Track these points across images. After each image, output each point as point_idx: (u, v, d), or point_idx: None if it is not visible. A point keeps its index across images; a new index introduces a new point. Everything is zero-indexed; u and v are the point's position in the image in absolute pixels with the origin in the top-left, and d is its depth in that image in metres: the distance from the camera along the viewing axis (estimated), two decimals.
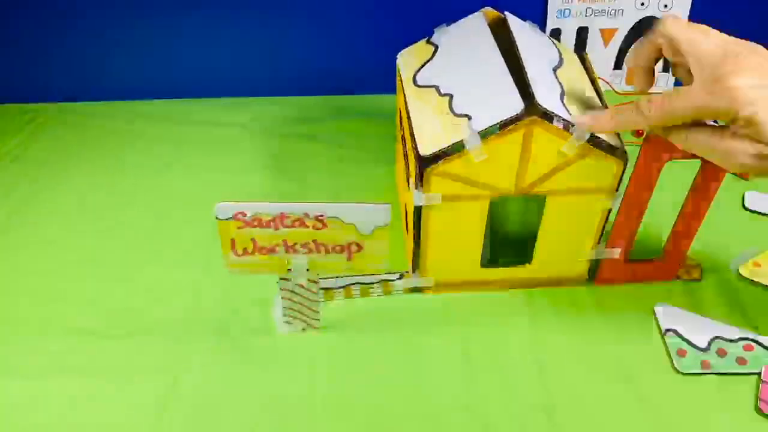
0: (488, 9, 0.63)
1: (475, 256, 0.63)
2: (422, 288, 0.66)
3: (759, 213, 0.74)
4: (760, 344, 0.60)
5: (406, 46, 0.68)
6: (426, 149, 0.54)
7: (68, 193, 0.80)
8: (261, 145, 0.87)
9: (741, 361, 0.58)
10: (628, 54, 0.56)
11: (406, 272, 0.65)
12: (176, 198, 0.79)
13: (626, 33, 0.90)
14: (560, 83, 0.57)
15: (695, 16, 0.88)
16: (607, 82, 0.93)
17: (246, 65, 0.93)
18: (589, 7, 0.88)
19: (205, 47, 0.91)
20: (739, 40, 0.47)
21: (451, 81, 0.59)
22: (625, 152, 0.55)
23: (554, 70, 0.59)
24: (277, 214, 0.53)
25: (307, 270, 0.57)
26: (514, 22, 0.61)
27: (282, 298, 0.59)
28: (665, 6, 0.87)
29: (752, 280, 0.66)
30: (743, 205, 0.75)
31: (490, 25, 0.62)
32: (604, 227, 0.61)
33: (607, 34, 0.91)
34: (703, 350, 0.59)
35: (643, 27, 0.89)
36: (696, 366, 0.58)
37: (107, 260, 0.70)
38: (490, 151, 0.53)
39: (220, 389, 0.58)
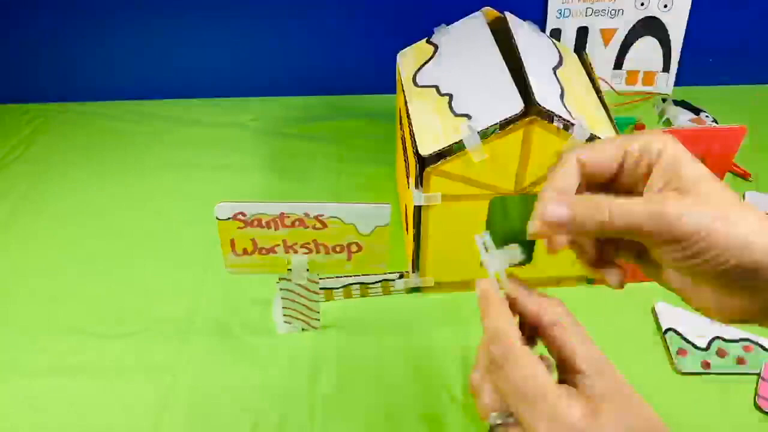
0: (488, 9, 0.63)
1: (474, 255, 0.63)
2: (422, 288, 0.66)
3: None
4: (759, 345, 0.60)
5: (406, 46, 0.68)
6: (426, 149, 0.54)
7: (68, 193, 0.80)
8: (261, 144, 0.87)
9: (741, 361, 0.58)
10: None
11: (406, 272, 0.65)
12: (176, 198, 0.79)
13: (626, 33, 0.90)
14: (560, 83, 0.57)
15: (695, 15, 0.88)
16: (607, 82, 0.93)
17: (246, 65, 0.93)
18: (589, 7, 0.88)
19: (205, 47, 0.91)
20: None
21: (451, 81, 0.59)
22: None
23: (554, 70, 0.59)
24: (277, 214, 0.53)
25: (307, 270, 0.57)
26: (514, 22, 0.61)
27: (281, 298, 0.59)
28: (665, 6, 0.87)
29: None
30: None
31: (489, 25, 0.62)
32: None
33: (607, 34, 0.90)
34: (704, 350, 0.59)
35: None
36: (696, 366, 0.58)
37: (107, 260, 0.70)
38: (490, 150, 0.53)
39: (220, 389, 0.58)
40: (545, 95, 0.53)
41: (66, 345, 0.61)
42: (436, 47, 0.64)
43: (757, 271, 0.29)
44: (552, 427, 0.31)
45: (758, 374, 0.57)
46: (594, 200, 0.33)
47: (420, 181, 0.56)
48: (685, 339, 0.60)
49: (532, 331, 0.37)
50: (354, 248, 0.56)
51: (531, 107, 0.51)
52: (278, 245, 0.55)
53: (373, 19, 0.88)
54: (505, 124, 0.52)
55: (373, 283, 0.65)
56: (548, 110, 0.51)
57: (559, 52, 0.63)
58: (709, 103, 0.90)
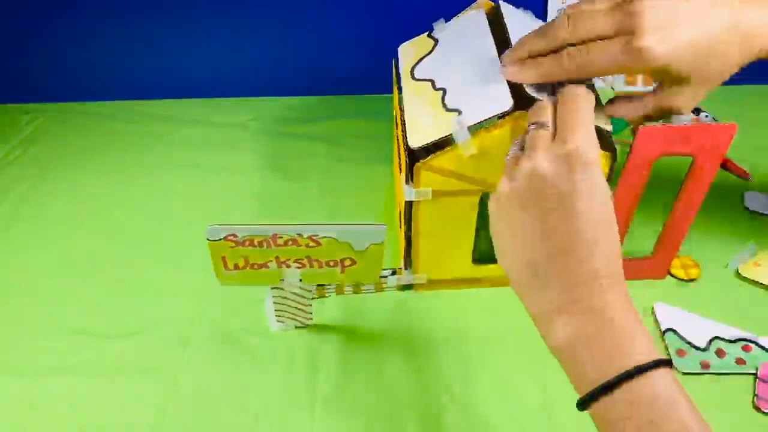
0: (485, 0, 0.63)
1: (466, 252, 0.63)
2: (414, 285, 0.66)
3: (759, 213, 0.74)
4: (758, 345, 0.60)
5: None
6: (415, 142, 0.54)
7: (68, 193, 0.80)
8: (261, 145, 0.87)
9: (740, 361, 0.58)
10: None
11: (399, 269, 0.65)
12: (176, 198, 0.79)
13: None
14: None
15: None
16: (607, 82, 0.93)
17: (246, 65, 0.93)
18: None
19: (205, 47, 0.91)
20: None
21: (446, 75, 0.59)
22: (615, 147, 0.55)
23: None
24: (269, 236, 0.53)
25: (300, 280, 0.57)
26: (509, 12, 0.61)
27: (273, 302, 0.59)
28: None
29: (752, 280, 0.66)
30: (743, 205, 0.75)
31: (487, 16, 0.62)
32: None
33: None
34: (703, 350, 0.59)
35: None
36: (695, 366, 0.58)
37: (107, 260, 0.71)
38: (480, 145, 0.53)
39: (219, 389, 0.58)
40: (536, 90, 0.52)
41: (66, 345, 0.62)
42: (436, 41, 0.64)
43: None
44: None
45: (755, 374, 0.57)
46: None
47: (410, 176, 0.56)
48: (684, 339, 0.60)
49: None
50: (348, 262, 0.55)
51: (520, 102, 0.51)
52: (271, 261, 0.55)
53: (373, 20, 0.88)
54: (494, 119, 0.52)
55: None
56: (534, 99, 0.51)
57: None
58: (709, 103, 0.89)
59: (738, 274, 0.66)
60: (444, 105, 0.56)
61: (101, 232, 0.74)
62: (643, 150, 0.55)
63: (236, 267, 0.55)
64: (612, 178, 0.57)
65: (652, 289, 0.66)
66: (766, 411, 0.55)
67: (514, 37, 0.57)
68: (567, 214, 0.40)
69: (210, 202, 0.78)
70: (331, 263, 0.55)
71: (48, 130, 0.90)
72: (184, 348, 0.61)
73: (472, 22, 0.62)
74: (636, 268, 0.66)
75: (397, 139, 0.68)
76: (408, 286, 0.66)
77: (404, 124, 0.57)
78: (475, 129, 0.52)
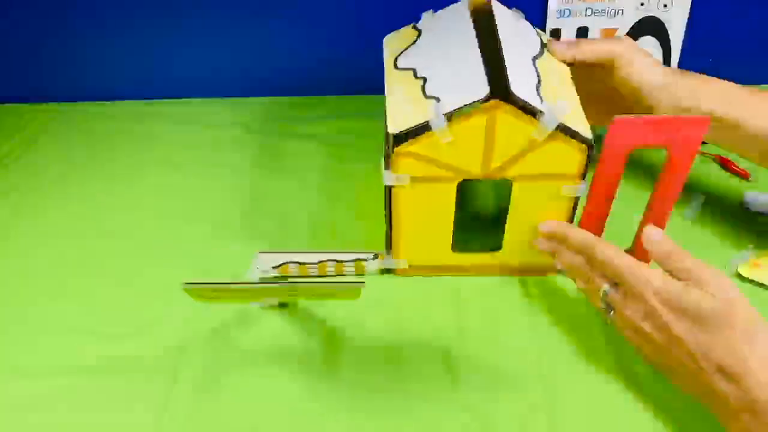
0: None
1: (446, 240, 0.63)
2: (395, 270, 0.66)
3: (759, 213, 0.74)
4: None
5: None
6: (395, 128, 0.55)
7: (68, 193, 0.80)
8: (261, 144, 0.87)
9: None
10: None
11: (380, 253, 0.65)
12: (176, 198, 0.79)
13: (626, 33, 0.90)
14: (538, 72, 0.58)
15: (695, 15, 0.88)
16: None
17: (246, 65, 0.93)
18: (589, 7, 0.88)
19: (204, 47, 0.91)
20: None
21: (428, 65, 0.60)
22: (591, 138, 0.56)
23: (534, 59, 0.60)
24: (246, 290, 0.59)
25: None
26: (499, 9, 0.62)
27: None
28: (665, 6, 0.87)
29: (752, 280, 0.66)
30: (743, 205, 0.75)
31: (476, 12, 0.63)
32: (573, 216, 0.62)
33: (607, 34, 0.90)
34: None
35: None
36: None
37: (107, 260, 0.71)
38: (456, 133, 0.54)
39: (220, 389, 0.58)
40: (519, 82, 0.53)
41: (66, 345, 0.62)
42: (420, 32, 0.65)
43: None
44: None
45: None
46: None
47: (389, 161, 0.56)
48: None
49: None
50: (327, 294, 0.61)
51: (496, 92, 0.52)
52: (249, 298, 0.62)
53: (373, 20, 0.88)
54: (470, 107, 0.53)
55: (347, 261, 0.65)
56: (517, 96, 0.52)
57: (541, 41, 0.64)
58: None
59: (738, 274, 0.66)
60: (424, 93, 0.56)
61: (101, 232, 0.74)
62: (617, 141, 0.55)
63: (211, 299, 0.61)
64: (587, 171, 0.58)
65: None
66: None
67: (502, 31, 0.58)
68: None
69: (210, 202, 0.78)
70: (312, 295, 0.62)
71: (48, 130, 0.90)
72: (183, 348, 0.61)
73: (456, 14, 0.63)
74: None
75: None
76: (388, 271, 0.66)
77: (385, 110, 0.57)
78: (451, 116, 0.53)
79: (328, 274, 0.66)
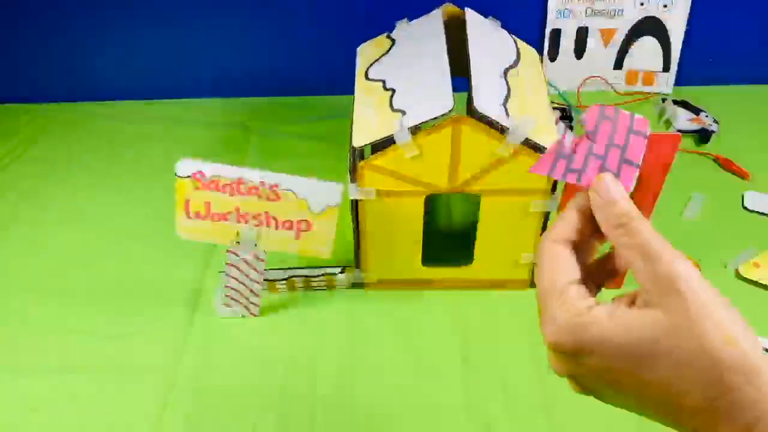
0: (449, 5, 0.64)
1: (415, 254, 0.63)
2: (364, 284, 0.66)
3: (759, 213, 0.74)
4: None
5: None
6: (359, 141, 0.54)
7: (68, 193, 0.80)
8: (261, 144, 0.87)
9: None
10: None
11: (348, 267, 0.65)
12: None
13: (626, 33, 0.90)
14: (508, 85, 0.57)
15: (695, 15, 0.88)
16: (607, 82, 0.93)
17: (245, 65, 0.93)
18: (589, 7, 0.88)
19: (204, 48, 0.91)
20: None
21: (397, 76, 0.59)
22: None
23: (505, 70, 0.59)
24: (234, 179, 0.54)
25: (255, 245, 0.57)
26: (473, 19, 0.61)
27: (226, 274, 0.59)
28: (665, 6, 0.87)
29: (752, 280, 0.66)
30: (743, 205, 0.75)
31: (451, 21, 0.62)
32: (543, 231, 0.61)
33: (607, 34, 0.90)
34: None
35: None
36: None
37: (107, 260, 0.71)
38: (421, 147, 0.53)
39: (219, 389, 0.58)
40: (485, 96, 0.52)
41: (66, 345, 0.62)
42: (393, 42, 0.64)
43: None
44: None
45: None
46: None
47: (354, 175, 0.56)
48: None
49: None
50: (303, 226, 0.57)
51: (464, 107, 0.51)
52: (230, 212, 0.56)
53: (373, 20, 0.88)
54: (433, 122, 0.52)
55: (316, 277, 0.65)
56: (480, 112, 0.51)
57: (517, 50, 0.63)
58: (709, 103, 0.90)
59: (738, 274, 0.66)
60: (391, 105, 0.56)
61: (101, 232, 0.74)
62: None
63: (197, 215, 0.56)
64: (557, 185, 0.57)
65: None
66: None
67: (473, 43, 0.57)
68: None
69: None
70: (287, 225, 0.57)
71: (48, 130, 0.90)
72: (183, 348, 0.61)
73: (430, 24, 0.63)
74: None
75: None
76: (358, 285, 0.66)
77: (352, 122, 0.57)
78: (415, 130, 0.52)
79: (297, 288, 0.65)
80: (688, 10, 0.88)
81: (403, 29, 0.65)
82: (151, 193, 0.79)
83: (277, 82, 0.95)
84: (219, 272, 0.63)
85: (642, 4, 0.88)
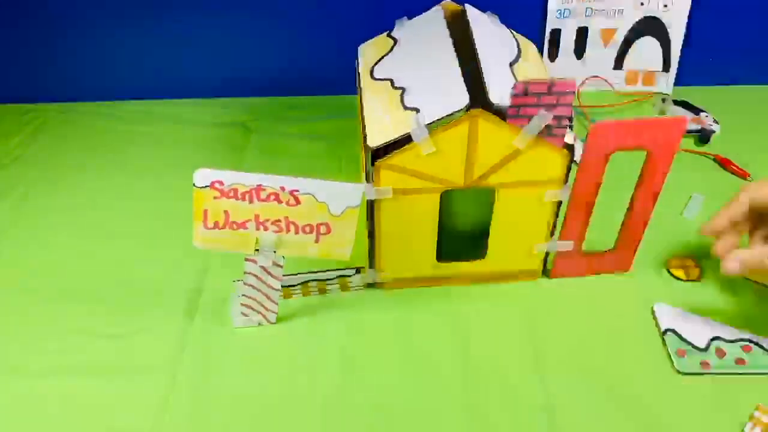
0: (448, 2, 0.64)
1: (429, 250, 0.63)
2: (378, 284, 0.66)
3: None
4: (758, 345, 0.60)
5: None
6: (375, 141, 0.54)
7: (68, 193, 0.80)
8: (261, 144, 0.87)
9: (740, 361, 0.58)
10: (713, 219, 0.60)
11: (363, 267, 0.65)
12: (176, 198, 0.78)
13: (626, 33, 0.90)
14: (516, 78, 0.58)
15: (695, 15, 0.88)
16: (607, 82, 0.93)
17: (245, 65, 0.93)
18: (589, 7, 0.88)
19: (204, 48, 0.91)
20: None
21: (405, 75, 0.59)
22: (572, 144, 0.56)
23: (511, 64, 0.60)
24: (254, 186, 0.54)
25: (274, 252, 0.57)
26: (474, 15, 0.62)
27: (244, 283, 0.59)
28: (665, 6, 0.87)
29: (752, 280, 0.66)
30: None
31: (451, 18, 0.62)
32: (555, 220, 0.62)
33: (607, 34, 0.90)
34: (703, 350, 0.59)
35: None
36: (695, 366, 0.58)
37: (107, 260, 0.70)
38: (438, 143, 0.54)
39: (220, 389, 0.58)
40: (498, 89, 0.53)
41: (66, 345, 0.62)
42: (395, 41, 0.64)
43: None
44: None
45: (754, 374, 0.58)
46: (755, 253, 0.57)
47: (370, 175, 0.56)
48: (684, 339, 0.60)
49: None
50: (323, 230, 0.56)
51: (476, 101, 0.52)
52: (249, 220, 0.55)
53: (373, 20, 0.88)
54: (451, 117, 0.52)
55: (330, 280, 0.65)
56: (495, 103, 0.52)
57: (518, 45, 0.63)
58: (709, 103, 0.90)
59: (744, 278, 0.66)
60: (402, 104, 0.56)
61: (101, 232, 0.74)
62: (597, 145, 0.55)
63: (216, 225, 0.56)
64: (569, 175, 0.58)
65: (653, 289, 0.66)
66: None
67: (478, 38, 0.58)
68: None
69: None
70: (307, 229, 0.56)
71: (48, 130, 0.90)
72: (183, 348, 0.61)
73: (431, 21, 0.63)
74: (599, 262, 0.66)
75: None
76: (373, 285, 0.66)
77: (364, 123, 0.57)
78: (432, 127, 0.53)
79: (312, 293, 0.65)
80: (688, 10, 0.88)
81: (403, 28, 0.65)
82: (152, 193, 0.79)
83: (277, 82, 0.95)
84: (234, 281, 0.63)
85: (642, 4, 0.88)
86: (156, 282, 0.68)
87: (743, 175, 0.79)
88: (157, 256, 0.71)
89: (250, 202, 0.54)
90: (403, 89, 0.57)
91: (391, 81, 0.59)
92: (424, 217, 0.60)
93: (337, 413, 0.56)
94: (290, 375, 0.59)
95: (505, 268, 0.66)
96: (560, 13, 0.88)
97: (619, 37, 0.91)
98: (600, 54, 0.92)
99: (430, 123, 0.53)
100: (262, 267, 0.58)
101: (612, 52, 0.92)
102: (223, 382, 0.58)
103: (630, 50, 0.91)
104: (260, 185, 0.54)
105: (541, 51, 0.90)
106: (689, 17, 0.88)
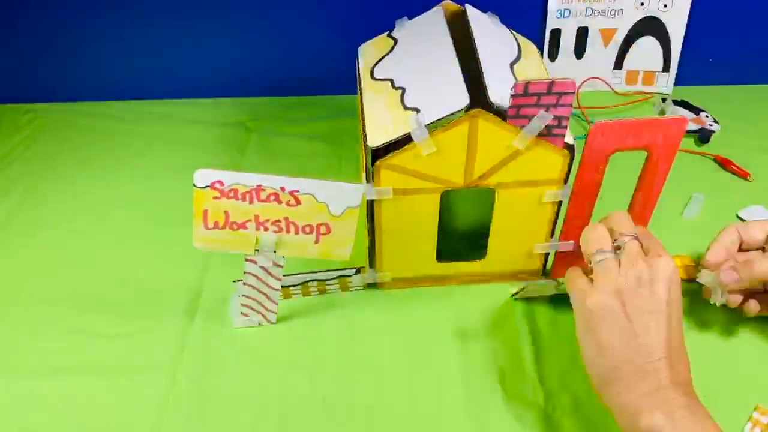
0: (448, 2, 0.64)
1: (430, 250, 0.63)
2: (378, 284, 0.66)
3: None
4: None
5: None
6: (375, 141, 0.54)
7: (68, 193, 0.80)
8: (261, 144, 0.87)
9: None
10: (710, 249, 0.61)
11: (363, 267, 0.65)
12: (176, 198, 0.78)
13: (626, 33, 0.90)
14: (516, 78, 0.58)
15: (695, 15, 0.88)
16: (607, 83, 0.93)
17: (245, 65, 0.93)
18: (589, 7, 0.88)
19: (205, 47, 0.91)
20: None
21: (405, 75, 0.59)
22: (572, 144, 0.56)
23: (512, 64, 0.60)
24: (254, 186, 0.54)
25: (274, 252, 0.57)
26: (474, 15, 0.62)
27: (244, 283, 0.59)
28: (665, 6, 0.87)
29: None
30: (739, 217, 0.74)
31: (451, 18, 0.62)
32: (555, 220, 0.62)
33: (606, 34, 0.91)
34: None
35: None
36: None
37: (107, 260, 0.71)
38: (438, 143, 0.54)
39: (220, 389, 0.58)
40: (498, 90, 0.53)
41: (66, 345, 0.62)
42: (395, 41, 0.64)
43: None
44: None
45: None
46: (748, 263, 0.57)
47: (371, 175, 0.56)
48: None
49: None
50: (323, 230, 0.56)
51: (476, 101, 0.52)
52: (250, 221, 0.56)
53: (373, 20, 0.88)
54: (451, 117, 0.52)
55: (330, 280, 0.65)
56: (494, 103, 0.52)
57: (518, 45, 0.63)
58: (709, 103, 0.90)
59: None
60: (403, 104, 0.56)
61: (101, 232, 0.74)
62: (597, 145, 0.55)
63: (216, 225, 0.56)
64: (569, 176, 0.58)
65: None
66: None
67: (478, 39, 0.58)
68: (664, 326, 0.46)
69: None
70: (307, 229, 0.56)
71: (48, 130, 0.90)
72: (183, 348, 0.61)
73: (431, 22, 0.63)
74: None
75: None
76: (373, 285, 0.66)
77: (364, 123, 0.57)
78: (433, 127, 0.53)
79: (312, 293, 0.65)
80: (688, 10, 0.88)
81: (404, 28, 0.66)
82: (152, 193, 0.79)
83: (277, 82, 0.95)
84: (234, 281, 0.63)
85: (642, 4, 0.88)
86: (156, 282, 0.68)
87: (743, 175, 0.79)
88: (157, 256, 0.71)
89: (250, 202, 0.55)
90: (403, 89, 0.57)
91: (392, 81, 0.59)
92: (424, 218, 0.60)
93: (337, 413, 0.56)
94: (290, 375, 0.59)
95: (505, 269, 0.66)
96: (560, 13, 0.88)
97: (619, 37, 0.91)
98: (600, 54, 0.92)
99: (431, 123, 0.53)
100: (262, 267, 0.58)
101: (612, 52, 0.92)
102: (223, 382, 0.58)
103: (630, 50, 0.91)
104: (260, 185, 0.54)
105: (541, 51, 0.90)
106: (689, 17, 0.88)
